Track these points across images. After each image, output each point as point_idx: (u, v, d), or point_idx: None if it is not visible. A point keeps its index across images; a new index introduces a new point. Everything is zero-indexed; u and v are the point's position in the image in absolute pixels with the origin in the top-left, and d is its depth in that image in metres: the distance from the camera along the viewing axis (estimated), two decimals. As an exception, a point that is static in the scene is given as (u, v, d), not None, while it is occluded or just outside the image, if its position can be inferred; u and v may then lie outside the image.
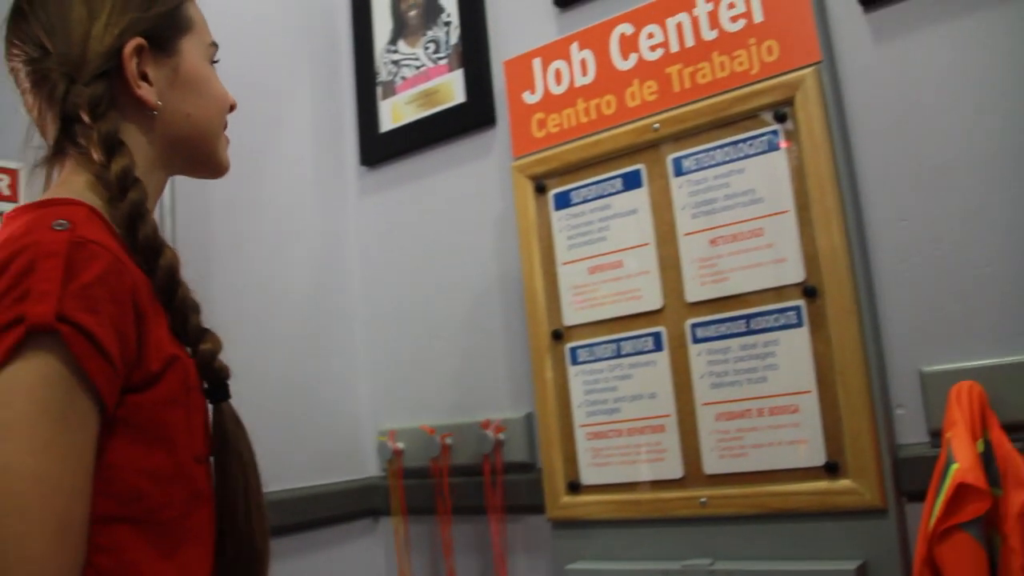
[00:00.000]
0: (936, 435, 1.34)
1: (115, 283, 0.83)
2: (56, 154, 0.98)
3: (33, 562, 0.73)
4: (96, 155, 0.94)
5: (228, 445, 0.97)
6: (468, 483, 1.82)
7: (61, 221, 0.83)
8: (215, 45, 1.09)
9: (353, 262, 2.07)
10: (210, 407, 0.99)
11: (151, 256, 0.93)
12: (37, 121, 1.00)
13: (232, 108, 1.10)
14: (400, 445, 1.92)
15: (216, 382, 0.98)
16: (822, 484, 1.37)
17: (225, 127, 1.09)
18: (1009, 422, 1.26)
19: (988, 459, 1.23)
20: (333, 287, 2.03)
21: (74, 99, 0.94)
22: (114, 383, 0.81)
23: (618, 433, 1.57)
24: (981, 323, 1.34)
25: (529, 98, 1.73)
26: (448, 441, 1.84)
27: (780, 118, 1.45)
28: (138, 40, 0.98)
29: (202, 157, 1.07)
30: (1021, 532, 1.18)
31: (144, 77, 0.98)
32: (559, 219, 1.66)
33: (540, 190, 1.69)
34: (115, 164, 0.94)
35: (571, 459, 1.62)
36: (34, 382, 0.76)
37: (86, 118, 0.94)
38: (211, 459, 0.97)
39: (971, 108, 1.36)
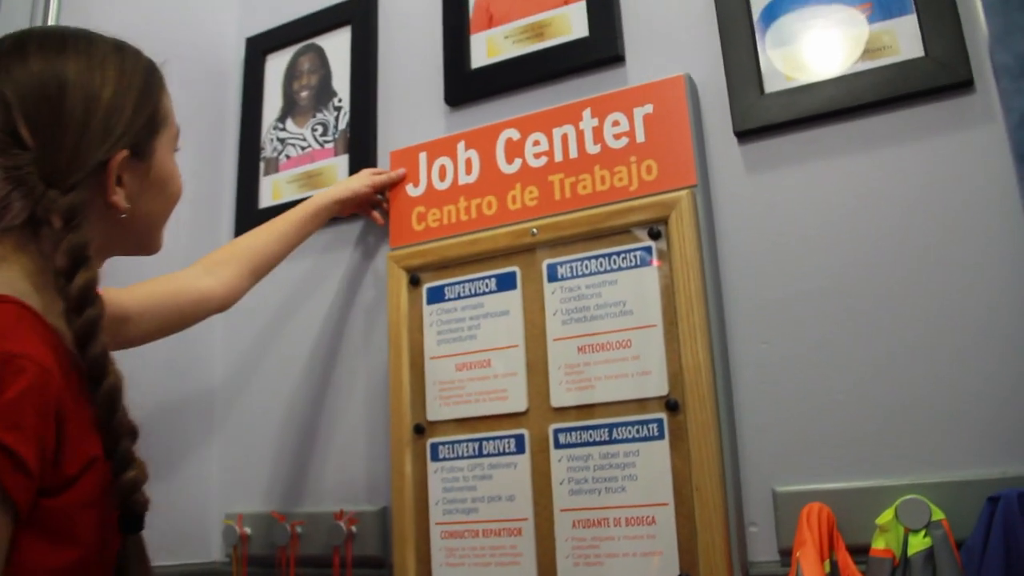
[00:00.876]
0: (786, 553, 1.36)
1: (39, 398, 0.82)
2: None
3: None
4: (60, 261, 0.92)
5: None
6: (316, 575, 1.74)
7: None
8: (178, 130, 1.12)
9: (217, 335, 1.99)
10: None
11: (96, 377, 0.91)
12: None
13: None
14: (247, 530, 1.83)
15: (130, 513, 0.93)
16: (674, 598, 1.37)
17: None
18: (853, 544, 1.29)
19: (833, 580, 1.26)
20: (196, 358, 1.94)
21: (48, 204, 0.92)
22: (30, 492, 0.80)
23: (474, 534, 1.54)
24: (832, 447, 1.37)
25: (412, 190, 1.72)
26: (299, 530, 1.76)
27: (654, 235, 1.48)
28: (124, 152, 0.99)
29: (145, 242, 1.11)
30: None
31: (119, 182, 0.99)
32: (431, 313, 1.65)
33: (414, 283, 1.67)
34: (80, 278, 0.92)
35: (424, 558, 1.57)
36: None
37: (57, 224, 0.92)
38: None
39: (831, 241, 1.42)
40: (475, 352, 1.59)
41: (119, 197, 1.00)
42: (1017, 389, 1.28)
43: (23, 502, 0.80)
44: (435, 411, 1.61)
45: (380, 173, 1.75)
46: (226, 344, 1.99)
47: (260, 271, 1.54)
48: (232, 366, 1.98)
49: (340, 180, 1.80)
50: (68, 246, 0.92)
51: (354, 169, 1.86)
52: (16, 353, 0.82)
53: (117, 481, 0.91)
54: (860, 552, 1.28)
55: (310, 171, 1.94)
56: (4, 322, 0.85)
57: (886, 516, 1.28)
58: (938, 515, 1.24)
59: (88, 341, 0.91)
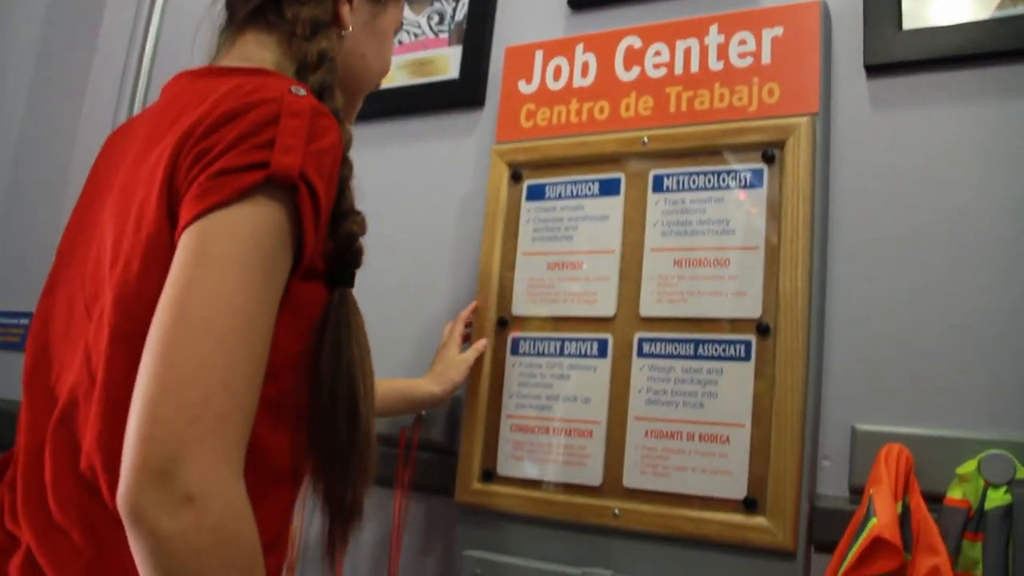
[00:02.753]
0: (856, 491, 1.34)
1: (336, 158, 0.87)
2: (247, 21, 1.01)
3: (235, 394, 0.73)
4: (300, 30, 0.97)
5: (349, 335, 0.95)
6: (382, 453, 1.75)
7: (299, 88, 0.86)
8: (401, 24, 1.17)
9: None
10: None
11: (336, 129, 0.93)
12: None
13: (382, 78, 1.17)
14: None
15: (348, 264, 0.97)
16: (737, 518, 1.35)
17: (376, 87, 1.17)
18: (928, 491, 1.26)
19: (904, 522, 1.23)
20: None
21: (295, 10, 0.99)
22: (312, 251, 0.85)
23: (545, 431, 1.53)
24: (919, 393, 1.34)
25: (524, 87, 1.69)
26: (370, 408, 1.77)
27: (768, 158, 1.43)
28: None
29: (348, 99, 1.10)
30: None
31: (350, 1, 1.04)
32: (528, 210, 1.63)
33: (516, 178, 1.65)
34: (317, 44, 0.97)
35: (491, 447, 1.58)
36: (260, 226, 0.78)
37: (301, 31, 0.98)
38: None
39: (949, 187, 1.37)
40: (569, 253, 1.57)
41: (346, 10, 1.03)
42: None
43: (305, 258, 0.84)
44: (521, 307, 1.60)
45: (459, 343, 1.61)
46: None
47: None
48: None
49: (435, 368, 1.57)
50: (309, 14, 0.98)
51: (467, 61, 1.83)
52: (325, 110, 0.87)
53: (339, 231, 0.94)
54: (934, 500, 1.25)
55: (421, 59, 1.92)
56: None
57: (968, 466, 1.24)
58: (1022, 473, 1.21)
59: (323, 97, 0.94)
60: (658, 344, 1.46)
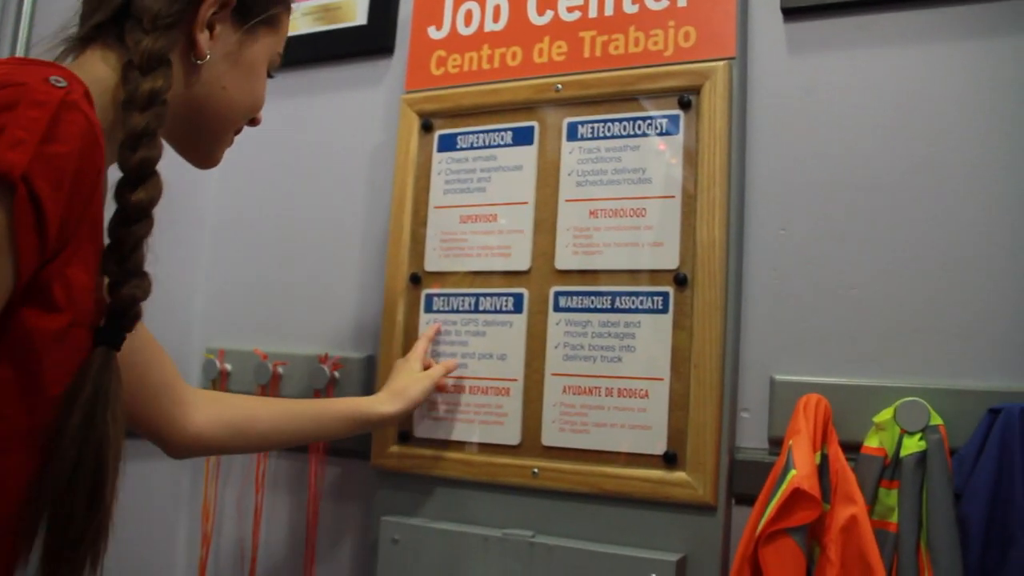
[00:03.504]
0: (775, 443, 1.32)
1: (83, 169, 0.73)
2: (92, 35, 0.90)
3: None
4: (137, 61, 0.85)
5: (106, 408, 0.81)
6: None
7: (60, 79, 0.74)
8: (280, 58, 1.05)
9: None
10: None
11: (136, 181, 0.82)
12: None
13: (254, 120, 1.07)
14: (228, 366, 1.78)
15: (119, 327, 0.84)
16: (657, 473, 1.33)
17: (239, 131, 1.06)
18: (847, 441, 1.25)
19: (823, 472, 1.22)
20: (190, 183, 1.84)
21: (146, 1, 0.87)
22: (32, 266, 0.71)
23: (460, 390, 1.49)
24: (837, 342, 1.33)
25: (434, 33, 1.62)
26: (280, 370, 1.71)
27: (684, 104, 1.39)
28: None
29: (206, 138, 1.02)
30: (841, 545, 1.17)
31: (211, 28, 0.92)
32: (440, 161, 1.56)
33: (426, 128, 1.58)
34: (155, 80, 0.85)
35: (407, 408, 1.53)
36: None
37: (147, 24, 0.86)
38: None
39: (867, 133, 1.34)
40: (482, 205, 1.51)
41: (203, 38, 0.92)
42: (1027, 307, 1.23)
43: (23, 273, 0.70)
44: (434, 262, 1.54)
45: (422, 360, 1.47)
46: (222, 173, 1.88)
47: (240, 438, 1.25)
48: (227, 196, 1.89)
49: (394, 383, 1.41)
50: (149, 44, 0.85)
51: (375, 6, 1.75)
52: (82, 107, 0.74)
53: (118, 294, 0.82)
54: (852, 449, 1.25)
55: (327, 4, 1.82)
56: (75, 86, 0.75)
57: (884, 415, 1.23)
58: (936, 420, 1.20)
59: (141, 140, 0.82)
60: (574, 298, 1.42)
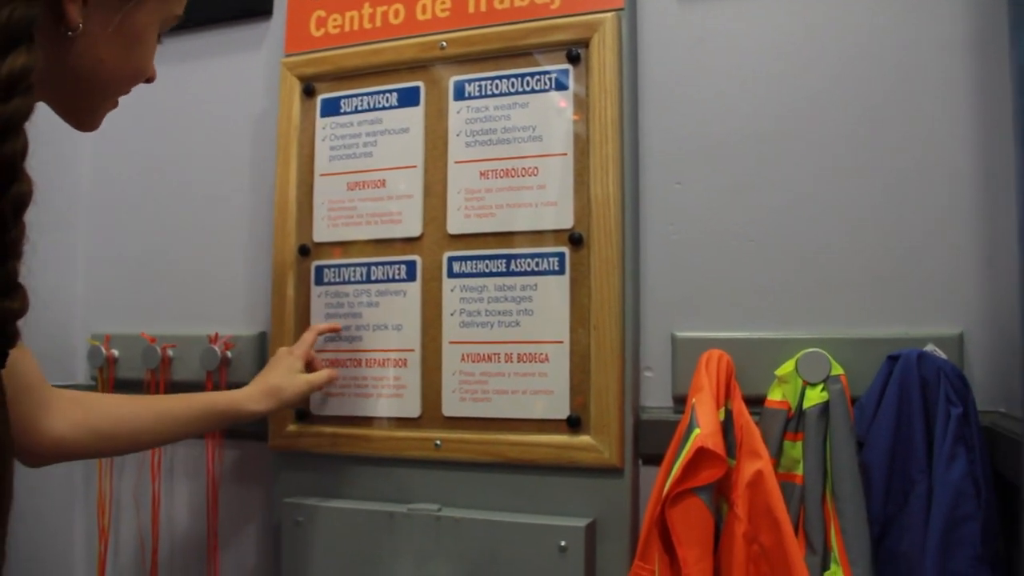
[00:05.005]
0: (680, 400, 1.29)
1: None
2: None
3: None
4: None
5: None
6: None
7: None
8: (177, 19, 0.91)
9: (86, 140, 1.78)
10: None
11: (4, 178, 0.70)
12: None
13: (149, 80, 0.93)
14: (115, 352, 1.67)
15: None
16: (562, 438, 1.28)
17: (124, 93, 0.92)
18: (750, 395, 1.23)
19: (727, 428, 1.19)
20: (60, 160, 1.73)
21: None
22: None
23: (357, 363, 1.42)
24: (737, 296, 1.30)
25: (311, -8, 1.52)
26: (170, 353, 1.62)
27: (573, 59, 1.33)
28: None
29: (83, 106, 0.89)
30: (748, 501, 1.14)
31: None
32: (324, 127, 1.48)
33: (308, 93, 1.49)
34: (16, 59, 0.69)
35: (303, 386, 1.45)
36: None
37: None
38: None
39: (759, 83, 1.31)
40: (369, 171, 1.44)
41: (74, 7, 0.78)
42: (925, 251, 1.22)
43: None
44: (322, 232, 1.46)
45: (305, 354, 1.37)
46: (96, 148, 1.77)
47: (104, 443, 1.14)
48: (102, 173, 1.77)
49: (269, 378, 1.30)
50: (8, 16, 0.70)
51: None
52: None
53: None
54: (756, 403, 1.22)
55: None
56: None
57: (786, 368, 1.21)
58: (837, 370, 1.18)
59: (6, 135, 0.70)
60: (468, 262, 1.36)
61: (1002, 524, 1.10)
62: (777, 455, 1.18)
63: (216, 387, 1.55)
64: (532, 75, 1.35)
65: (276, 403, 1.28)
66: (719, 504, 1.18)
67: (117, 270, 1.74)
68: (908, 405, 1.12)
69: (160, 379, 1.61)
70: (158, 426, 1.18)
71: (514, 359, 1.32)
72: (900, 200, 1.23)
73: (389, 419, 1.40)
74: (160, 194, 1.72)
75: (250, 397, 1.27)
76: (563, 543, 1.23)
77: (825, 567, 1.12)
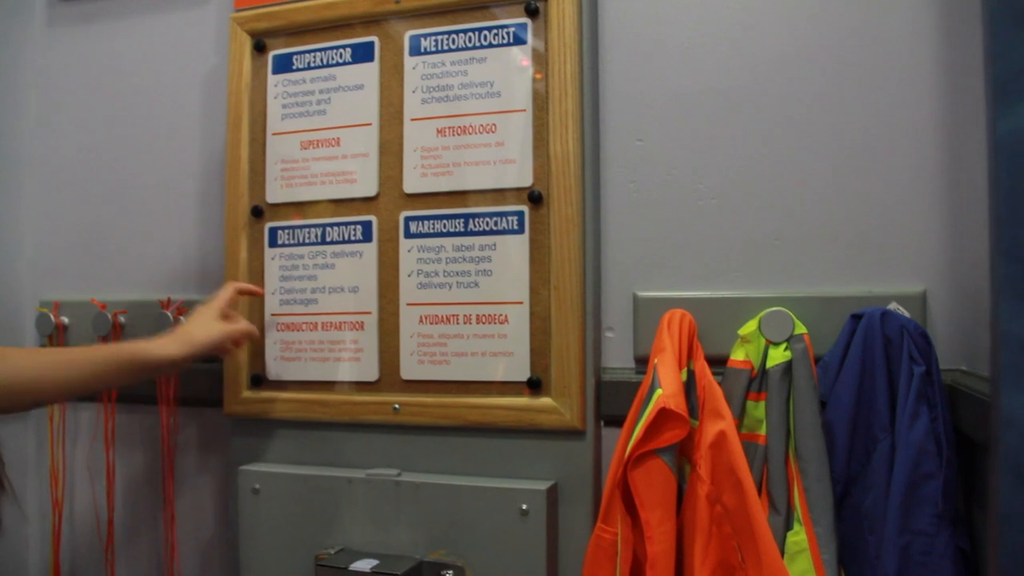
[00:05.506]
0: (641, 361, 1.27)
1: None
2: None
3: None
4: None
5: None
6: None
7: None
8: None
9: (31, 102, 1.71)
10: None
11: None
12: None
13: None
14: (64, 320, 1.62)
15: None
16: (523, 400, 1.26)
17: None
18: (713, 355, 1.21)
19: (690, 388, 1.17)
20: (2, 127, 1.67)
21: None
22: None
23: (313, 327, 1.38)
24: (699, 255, 1.27)
25: (260, -57, 1.47)
26: (121, 319, 1.57)
27: (532, 12, 1.29)
28: None
29: None
30: (710, 462, 1.13)
31: None
32: (276, 84, 1.42)
33: (259, 49, 1.44)
34: None
35: (257, 350, 1.42)
36: None
37: None
38: None
39: (723, 41, 1.28)
40: (323, 129, 1.39)
41: None
42: (889, 209, 1.20)
43: None
44: (276, 193, 1.41)
45: (221, 308, 1.31)
46: (40, 108, 1.70)
47: (5, 396, 1.07)
48: (47, 135, 1.71)
49: (183, 326, 1.26)
50: None
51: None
52: None
53: None
54: (719, 363, 1.20)
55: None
56: None
57: (749, 327, 1.19)
58: (800, 329, 1.16)
59: None
60: (425, 222, 1.32)
61: (963, 482, 1.09)
62: (740, 415, 1.16)
63: (169, 353, 1.51)
64: (489, 29, 1.31)
65: (188, 348, 1.22)
66: (682, 465, 1.16)
67: (65, 235, 1.68)
68: (871, 364, 1.11)
69: (111, 346, 1.56)
70: (64, 374, 1.12)
71: (473, 320, 1.28)
72: (864, 158, 1.20)
73: (346, 383, 1.36)
74: (108, 156, 1.66)
75: (162, 344, 1.21)
76: (524, 507, 1.21)
77: (788, 527, 1.11)
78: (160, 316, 1.51)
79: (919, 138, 1.18)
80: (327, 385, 1.37)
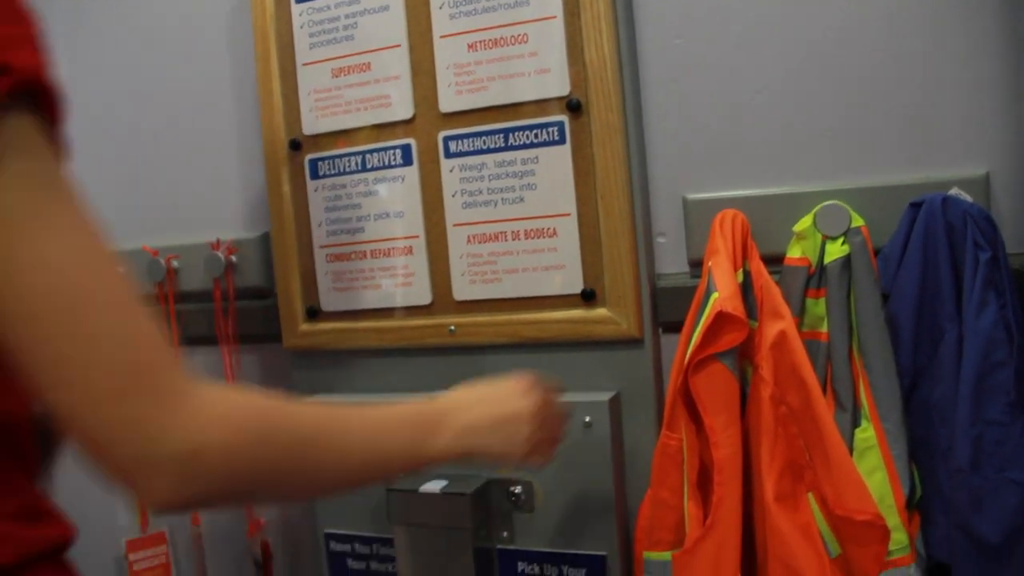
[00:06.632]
0: (696, 265, 1.24)
1: None
2: None
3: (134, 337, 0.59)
4: None
5: None
6: (198, 310, 1.57)
7: None
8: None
9: (59, 54, 1.68)
10: None
11: None
12: None
13: None
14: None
15: None
16: (578, 313, 1.24)
17: None
18: (768, 254, 1.17)
19: (747, 289, 1.14)
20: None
21: None
22: None
23: (362, 255, 1.37)
24: (748, 152, 1.23)
25: None
26: (174, 264, 1.57)
27: (554, -89, 1.22)
28: None
29: None
30: (772, 362, 1.10)
31: None
32: (300, 13, 1.38)
33: (280, -22, 1.40)
34: None
35: (310, 283, 1.41)
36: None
37: None
38: None
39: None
40: (353, 55, 1.35)
41: None
42: (946, 88, 1.13)
43: None
44: (311, 124, 1.39)
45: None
46: (70, 65, 1.68)
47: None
48: (79, 87, 1.69)
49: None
50: None
51: None
52: None
53: None
54: (775, 261, 1.17)
55: None
56: None
57: (804, 223, 1.15)
58: (858, 221, 1.12)
59: None
60: (465, 140, 1.29)
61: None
62: (800, 313, 1.13)
63: (225, 295, 1.51)
64: (513, -66, 1.25)
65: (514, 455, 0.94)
66: (744, 368, 1.14)
67: (107, 185, 1.67)
68: (934, 252, 1.06)
69: (168, 291, 1.57)
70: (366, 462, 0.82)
71: (521, 236, 1.26)
72: (918, 36, 1.13)
73: (400, 309, 1.35)
74: (141, 104, 1.64)
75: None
76: (588, 419, 1.21)
77: (856, 424, 1.09)
78: (212, 257, 1.51)
79: (979, 10, 1.11)
80: (382, 312, 1.37)
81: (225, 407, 0.63)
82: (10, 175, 0.57)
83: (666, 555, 1.15)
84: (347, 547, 1.39)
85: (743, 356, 1.13)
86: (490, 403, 0.91)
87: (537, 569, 1.27)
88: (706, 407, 1.09)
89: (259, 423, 0.66)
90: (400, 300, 1.35)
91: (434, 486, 1.23)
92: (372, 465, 0.79)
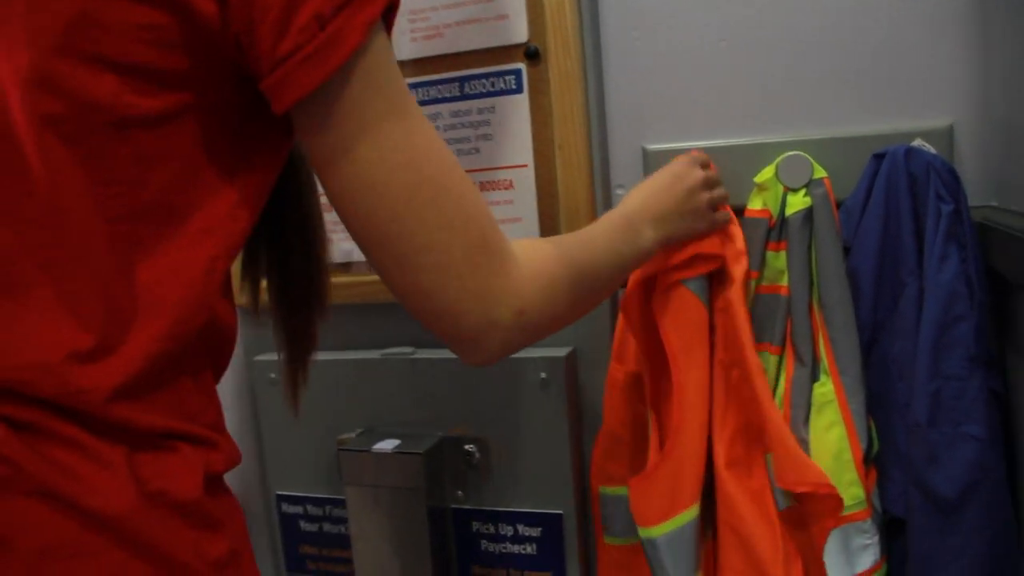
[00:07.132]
0: (654, 216, 1.20)
1: None
2: None
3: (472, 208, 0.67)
4: None
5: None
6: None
7: None
8: None
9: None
10: None
11: None
12: None
13: None
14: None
15: None
16: (533, 268, 1.21)
17: None
18: (730, 205, 1.14)
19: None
20: None
21: None
22: None
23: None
24: (709, 102, 1.19)
25: None
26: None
27: None
28: None
29: None
30: (722, 328, 1.07)
31: None
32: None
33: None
34: None
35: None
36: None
37: None
38: None
39: None
40: None
41: None
42: (909, 38, 1.11)
43: None
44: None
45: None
46: None
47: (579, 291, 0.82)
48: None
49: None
50: None
51: None
52: None
53: None
54: (736, 213, 1.14)
55: None
56: None
57: (765, 174, 1.12)
58: (820, 173, 1.10)
59: None
60: (419, 90, 1.24)
61: (995, 323, 1.04)
62: (760, 267, 1.11)
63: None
64: None
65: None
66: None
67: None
68: (896, 205, 1.05)
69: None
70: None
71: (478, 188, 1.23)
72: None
73: (356, 263, 1.31)
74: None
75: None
76: (543, 375, 1.18)
77: (815, 378, 1.07)
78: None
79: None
80: (334, 268, 1.33)
81: (537, 264, 0.72)
82: (385, 91, 0.63)
83: (621, 489, 1.13)
84: (299, 508, 1.37)
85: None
86: (666, 190, 1.01)
87: (492, 528, 1.25)
88: (667, 333, 1.05)
89: (561, 270, 0.75)
90: (357, 255, 1.31)
91: (386, 445, 1.21)
92: (617, 273, 0.91)
